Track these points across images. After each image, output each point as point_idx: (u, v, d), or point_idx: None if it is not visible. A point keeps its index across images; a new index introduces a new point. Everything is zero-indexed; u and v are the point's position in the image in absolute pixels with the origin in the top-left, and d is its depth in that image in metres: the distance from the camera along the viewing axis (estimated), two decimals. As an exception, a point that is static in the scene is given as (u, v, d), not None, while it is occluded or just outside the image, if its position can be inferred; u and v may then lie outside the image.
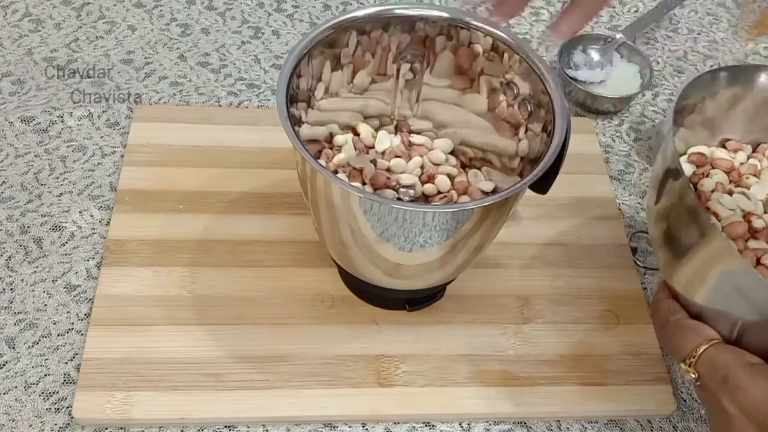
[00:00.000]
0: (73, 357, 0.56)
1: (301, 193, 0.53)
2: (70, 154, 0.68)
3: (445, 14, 0.55)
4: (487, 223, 0.50)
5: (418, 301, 0.59)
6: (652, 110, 0.79)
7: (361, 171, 0.56)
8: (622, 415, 0.58)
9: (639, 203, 0.71)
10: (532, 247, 0.65)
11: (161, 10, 0.82)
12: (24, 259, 0.61)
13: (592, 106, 0.78)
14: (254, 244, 0.63)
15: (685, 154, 0.56)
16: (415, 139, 0.60)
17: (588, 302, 0.63)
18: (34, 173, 0.66)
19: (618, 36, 0.81)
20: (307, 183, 0.50)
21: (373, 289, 0.57)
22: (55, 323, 0.58)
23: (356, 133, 0.59)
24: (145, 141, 0.68)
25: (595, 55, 0.81)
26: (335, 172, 0.56)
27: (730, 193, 0.54)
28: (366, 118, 0.60)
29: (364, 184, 0.55)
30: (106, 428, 0.54)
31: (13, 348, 0.56)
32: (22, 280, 0.60)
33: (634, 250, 0.67)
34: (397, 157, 0.57)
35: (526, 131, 0.55)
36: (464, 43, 0.56)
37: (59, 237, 0.62)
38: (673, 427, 0.58)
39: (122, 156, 0.68)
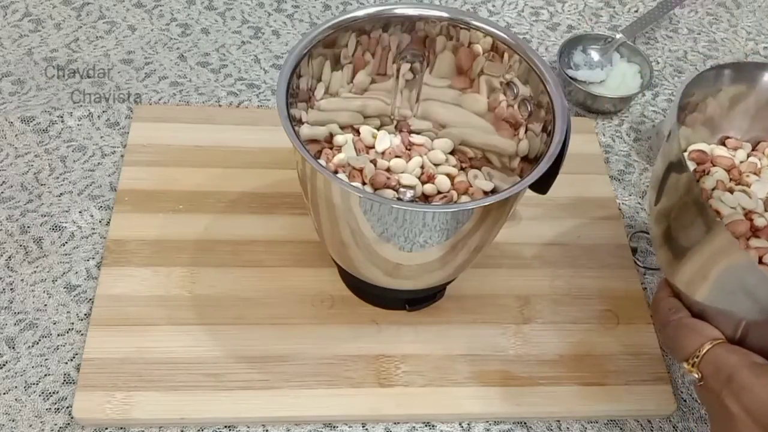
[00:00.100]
0: (73, 357, 0.56)
1: (301, 193, 0.53)
2: (70, 154, 0.68)
3: (445, 14, 0.55)
4: (487, 223, 0.50)
5: (418, 301, 0.59)
6: (652, 110, 0.79)
7: (361, 171, 0.56)
8: (622, 415, 0.58)
9: (639, 203, 0.71)
10: (532, 247, 0.65)
11: (161, 10, 0.82)
12: (24, 259, 0.61)
13: (592, 106, 0.78)
14: (254, 244, 0.63)
15: (685, 151, 0.56)
16: (415, 139, 0.60)
17: (588, 302, 0.63)
18: (34, 173, 0.66)
19: (618, 36, 0.81)
20: (307, 183, 0.50)
21: (373, 289, 0.57)
22: (55, 323, 0.58)
23: (356, 133, 0.59)
24: (145, 141, 0.68)
25: (595, 55, 0.81)
26: (335, 172, 0.56)
27: (731, 191, 0.54)
28: (366, 118, 0.60)
29: (364, 184, 0.55)
30: (106, 428, 0.54)
31: (13, 348, 0.56)
32: (22, 280, 0.60)
33: (634, 250, 0.67)
34: (397, 157, 0.57)
35: (526, 131, 0.55)
36: (464, 43, 0.56)
37: (59, 237, 0.62)
38: (673, 427, 0.58)
39: (122, 156, 0.68)
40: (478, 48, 0.55)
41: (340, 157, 0.57)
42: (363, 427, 0.55)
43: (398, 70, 0.58)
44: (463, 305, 0.61)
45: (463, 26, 0.55)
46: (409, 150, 0.59)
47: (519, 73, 0.54)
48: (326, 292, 0.61)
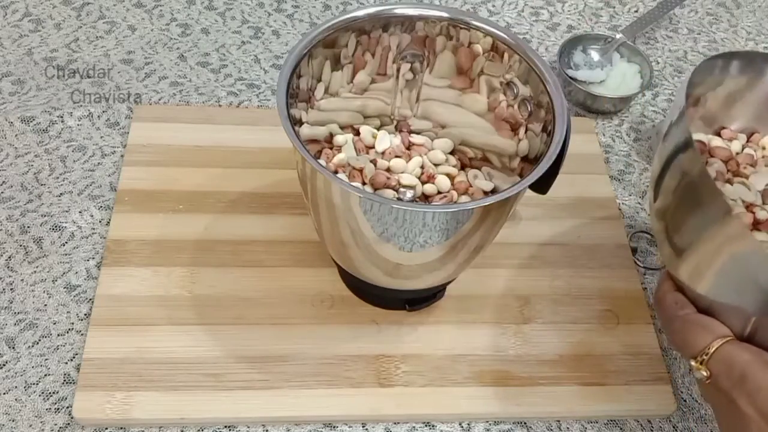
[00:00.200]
0: (73, 357, 0.56)
1: (301, 193, 0.53)
2: (70, 154, 0.68)
3: (445, 14, 0.55)
4: (487, 223, 0.49)
5: (418, 301, 0.59)
6: (652, 110, 0.79)
7: (361, 171, 0.56)
8: (622, 415, 0.58)
9: (639, 203, 0.71)
10: (532, 247, 0.65)
11: (161, 10, 0.82)
12: (24, 259, 0.61)
13: (592, 106, 0.78)
14: (254, 244, 0.63)
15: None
16: (415, 139, 0.60)
17: (588, 302, 0.63)
18: (34, 173, 0.66)
19: (618, 36, 0.81)
20: (307, 183, 0.50)
21: (373, 289, 0.57)
22: (55, 323, 0.58)
23: (356, 133, 0.59)
24: (145, 141, 0.68)
25: (595, 55, 0.81)
26: (335, 172, 0.56)
27: (730, 182, 0.53)
28: (366, 118, 0.60)
29: (364, 184, 0.55)
30: (106, 428, 0.54)
31: (13, 348, 0.56)
32: (22, 280, 0.60)
33: (634, 250, 0.67)
34: (397, 157, 0.57)
35: (526, 131, 0.55)
36: (464, 43, 0.56)
37: (59, 237, 0.62)
38: (673, 427, 0.58)
39: (122, 156, 0.68)
40: (478, 48, 0.55)
41: (340, 157, 0.57)
42: (363, 427, 0.55)
43: (398, 70, 0.58)
44: (463, 305, 0.61)
45: (463, 26, 0.55)
46: (409, 150, 0.59)
47: (519, 73, 0.54)
48: (326, 292, 0.61)
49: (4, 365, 0.56)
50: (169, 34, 0.80)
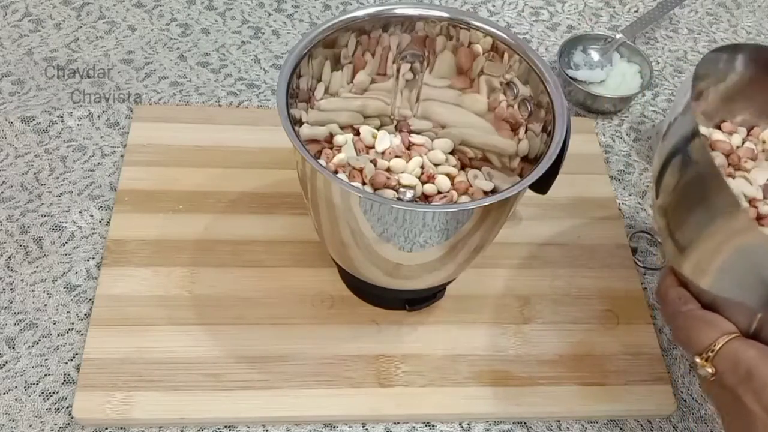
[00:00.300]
0: (73, 357, 0.56)
1: (301, 193, 0.53)
2: (70, 154, 0.68)
3: (445, 14, 0.55)
4: (487, 223, 0.49)
5: (418, 301, 0.59)
6: (652, 110, 0.79)
7: (361, 171, 0.56)
8: (622, 415, 0.58)
9: (639, 203, 0.71)
10: (532, 247, 0.65)
11: (161, 10, 0.82)
12: (24, 259, 0.61)
13: (592, 106, 0.78)
14: (254, 244, 0.63)
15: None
16: (415, 139, 0.60)
17: (588, 302, 0.63)
18: (34, 173, 0.66)
19: (618, 36, 0.81)
20: (307, 183, 0.50)
21: (373, 289, 0.57)
22: (55, 323, 0.58)
23: (356, 133, 0.59)
24: (145, 141, 0.68)
25: (595, 55, 0.81)
26: (335, 172, 0.56)
27: (731, 176, 0.52)
28: (366, 118, 0.60)
29: (364, 184, 0.55)
30: (106, 428, 0.54)
31: (13, 348, 0.56)
32: (22, 280, 0.60)
33: (634, 250, 0.67)
34: (397, 157, 0.57)
35: (526, 131, 0.55)
36: (464, 43, 0.56)
37: (59, 237, 0.63)
38: (673, 427, 0.58)
39: (122, 156, 0.68)
40: (478, 48, 0.55)
41: (340, 157, 0.57)
42: (363, 427, 0.55)
43: (398, 70, 0.58)
44: (463, 305, 0.61)
45: (463, 26, 0.55)
46: (409, 150, 0.59)
47: (519, 73, 0.54)
48: (326, 292, 0.61)
49: (4, 365, 0.56)
50: (169, 34, 0.80)
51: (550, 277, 0.64)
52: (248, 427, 0.55)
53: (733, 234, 0.43)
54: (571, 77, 0.77)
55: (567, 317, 0.61)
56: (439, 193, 0.56)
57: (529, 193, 0.49)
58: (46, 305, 0.59)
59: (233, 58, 0.78)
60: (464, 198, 0.57)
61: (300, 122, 0.53)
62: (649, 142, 0.76)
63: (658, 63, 0.84)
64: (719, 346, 0.45)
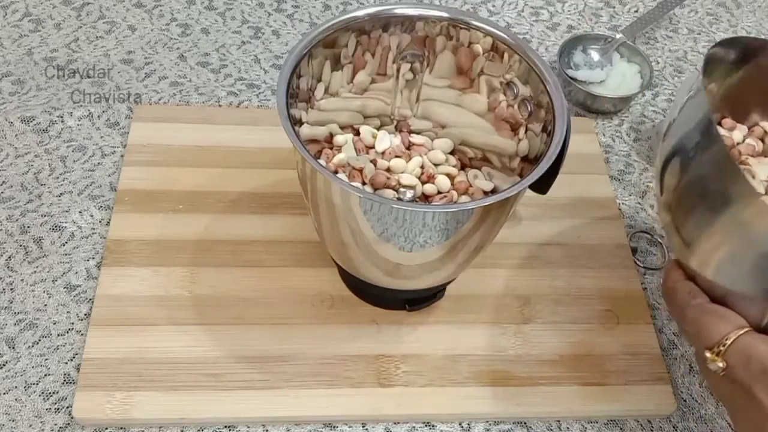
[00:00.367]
0: (73, 357, 0.56)
1: (301, 193, 0.53)
2: (70, 154, 0.68)
3: (445, 14, 0.55)
4: (487, 223, 0.50)
5: (418, 301, 0.59)
6: (652, 110, 0.79)
7: (361, 171, 0.56)
8: (622, 415, 0.58)
9: (639, 203, 0.71)
10: (532, 247, 0.65)
11: (161, 10, 0.82)
12: (24, 259, 0.61)
13: (592, 106, 0.78)
14: (254, 244, 0.63)
15: None
16: (415, 139, 0.60)
17: (588, 302, 0.63)
18: (34, 173, 0.66)
19: (618, 36, 0.81)
20: (307, 183, 0.50)
21: (373, 289, 0.57)
22: (55, 323, 0.58)
23: (356, 133, 0.59)
24: (145, 141, 0.68)
25: (595, 55, 0.81)
26: (335, 172, 0.56)
27: None
28: (366, 118, 0.60)
29: (364, 184, 0.55)
30: (106, 428, 0.54)
31: (13, 348, 0.56)
32: (22, 280, 0.60)
33: (634, 250, 0.67)
34: (397, 157, 0.57)
35: (526, 131, 0.55)
36: (464, 43, 0.56)
37: (59, 237, 0.63)
38: (673, 427, 0.58)
39: (122, 156, 0.68)
40: (478, 48, 0.55)
41: (340, 157, 0.57)
42: (363, 427, 0.55)
43: (398, 70, 0.58)
44: (463, 305, 0.61)
45: (463, 26, 0.55)
46: (409, 150, 0.59)
47: (519, 73, 0.54)
48: (326, 292, 0.61)
49: (4, 365, 0.56)
50: (169, 34, 0.80)
51: (550, 277, 0.64)
52: (248, 427, 0.55)
53: (746, 222, 0.42)
54: (571, 77, 0.77)
55: (567, 317, 0.61)
56: (439, 193, 0.56)
57: (529, 193, 0.49)
58: (46, 305, 0.59)
59: (233, 58, 0.78)
60: (464, 198, 0.57)
61: (300, 122, 0.53)
62: (649, 142, 0.76)
63: (658, 63, 0.84)
64: (731, 340, 0.44)
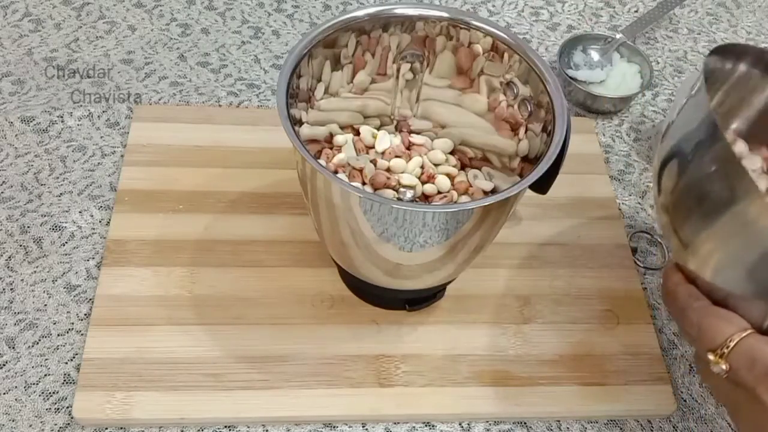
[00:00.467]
0: (73, 357, 0.56)
1: (301, 193, 0.53)
2: (70, 154, 0.68)
3: (445, 14, 0.55)
4: (487, 223, 0.50)
5: (418, 301, 0.59)
6: (652, 110, 0.79)
7: (361, 171, 0.56)
8: (622, 415, 0.58)
9: (639, 203, 0.71)
10: (532, 247, 0.65)
11: (161, 10, 0.82)
12: (24, 259, 0.61)
13: (592, 106, 0.78)
14: (254, 244, 0.63)
15: None
16: (415, 139, 0.60)
17: (588, 302, 0.63)
18: (34, 173, 0.66)
19: (618, 36, 0.81)
20: (307, 183, 0.50)
21: (373, 289, 0.57)
22: (55, 323, 0.58)
23: (356, 133, 0.59)
24: (145, 141, 0.68)
25: (595, 55, 0.81)
26: (335, 172, 0.56)
27: None
28: (366, 118, 0.60)
29: (364, 184, 0.56)
30: (106, 428, 0.54)
31: (13, 348, 0.56)
32: (22, 280, 0.60)
33: (634, 250, 0.67)
34: (397, 157, 0.57)
35: (526, 131, 0.55)
36: (464, 43, 0.56)
37: (59, 237, 0.62)
38: (673, 427, 0.58)
39: (122, 156, 0.68)
40: (478, 48, 0.55)
41: (340, 157, 0.57)
42: (363, 427, 0.55)
43: (398, 70, 0.58)
44: (463, 305, 0.61)
45: (463, 26, 0.55)
46: (409, 150, 0.59)
47: (519, 73, 0.54)
48: (326, 292, 0.61)
49: (4, 365, 0.56)
50: (169, 34, 0.80)
51: (550, 277, 0.64)
52: (248, 427, 0.55)
53: (750, 221, 0.42)
54: (571, 77, 0.77)
55: (567, 317, 0.61)
56: (439, 193, 0.56)
57: (529, 193, 0.49)
58: (46, 305, 0.59)
59: (233, 58, 0.78)
60: (464, 198, 0.57)
61: (300, 122, 0.53)
62: (649, 142, 0.76)
63: (658, 63, 0.84)
64: (734, 342, 0.43)
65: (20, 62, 0.75)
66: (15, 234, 0.62)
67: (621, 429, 0.57)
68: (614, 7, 0.90)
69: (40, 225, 0.63)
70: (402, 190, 0.56)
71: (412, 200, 0.56)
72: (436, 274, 0.54)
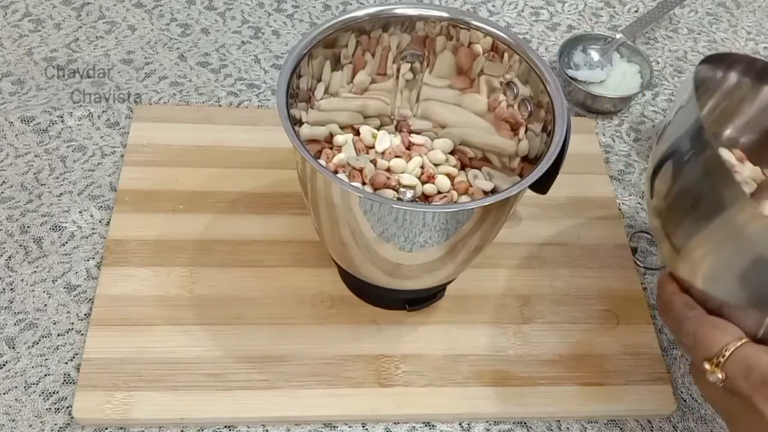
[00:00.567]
0: (73, 357, 0.56)
1: (301, 193, 0.53)
2: (70, 154, 0.68)
3: (445, 14, 0.55)
4: (487, 223, 0.50)
5: (418, 301, 0.59)
6: (652, 110, 0.79)
7: (361, 171, 0.56)
8: (621, 415, 0.58)
9: (639, 203, 0.71)
10: (532, 247, 0.65)
11: (161, 10, 0.82)
12: (24, 259, 0.61)
13: (592, 106, 0.78)
14: (254, 244, 0.63)
15: None
16: (415, 139, 0.60)
17: (588, 302, 0.63)
18: (34, 173, 0.66)
19: (618, 36, 0.81)
20: (307, 183, 0.50)
21: (373, 289, 0.57)
22: (55, 323, 0.58)
23: (356, 133, 0.59)
24: (145, 141, 0.68)
25: (595, 55, 0.81)
26: (335, 172, 0.56)
27: None
28: (366, 118, 0.60)
29: (364, 184, 0.56)
30: (106, 428, 0.54)
31: (13, 348, 0.56)
32: (22, 280, 0.60)
33: (634, 250, 0.67)
34: (397, 157, 0.57)
35: (526, 131, 0.55)
36: (464, 43, 0.56)
37: (59, 237, 0.62)
38: (673, 427, 0.58)
39: (122, 156, 0.68)
40: (478, 48, 0.55)
41: (340, 157, 0.57)
42: (363, 427, 0.55)
43: (398, 70, 0.58)
44: (463, 305, 0.61)
45: (463, 26, 0.55)
46: (409, 150, 0.59)
47: (519, 73, 0.54)
48: (326, 292, 0.61)
49: (4, 365, 0.56)
50: (169, 34, 0.80)
51: (550, 277, 0.64)
52: (248, 427, 0.55)
53: (738, 228, 0.42)
54: (571, 77, 0.77)
55: (567, 317, 0.61)
56: (439, 193, 0.56)
57: (529, 193, 0.49)
58: (46, 305, 0.59)
59: (233, 58, 0.78)
60: (464, 198, 0.57)
61: (300, 122, 0.53)
62: (649, 142, 0.76)
63: (658, 63, 0.84)
64: (730, 351, 0.44)
65: (20, 62, 0.75)
66: (15, 234, 0.62)
67: (621, 429, 0.57)
68: (614, 7, 0.90)
69: (40, 225, 0.63)
70: (402, 190, 0.56)
71: (412, 200, 0.56)
72: (436, 274, 0.54)
